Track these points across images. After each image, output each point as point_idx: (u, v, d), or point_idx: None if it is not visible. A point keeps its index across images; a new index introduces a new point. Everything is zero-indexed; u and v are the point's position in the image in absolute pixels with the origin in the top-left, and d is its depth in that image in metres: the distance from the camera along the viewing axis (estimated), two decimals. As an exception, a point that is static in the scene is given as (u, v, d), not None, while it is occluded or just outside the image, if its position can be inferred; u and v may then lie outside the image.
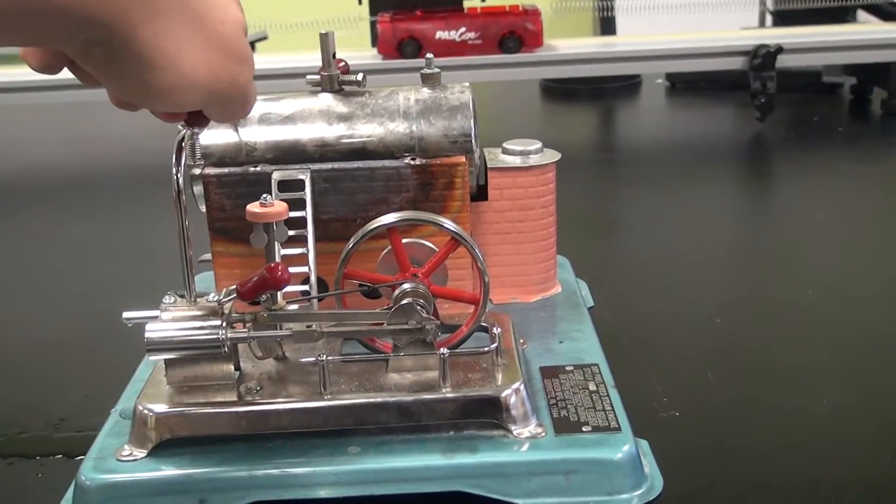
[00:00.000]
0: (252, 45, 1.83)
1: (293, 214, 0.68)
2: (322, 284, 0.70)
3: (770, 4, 1.98)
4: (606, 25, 2.17)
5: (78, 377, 0.76)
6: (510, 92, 1.85)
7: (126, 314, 0.60)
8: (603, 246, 1.06)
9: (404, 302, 0.59)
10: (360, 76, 0.74)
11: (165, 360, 0.59)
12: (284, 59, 1.61)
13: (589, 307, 0.80)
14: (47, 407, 0.70)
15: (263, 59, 1.68)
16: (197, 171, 0.70)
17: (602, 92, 1.86)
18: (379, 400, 0.58)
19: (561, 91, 1.86)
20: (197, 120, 0.50)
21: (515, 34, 1.51)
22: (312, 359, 0.59)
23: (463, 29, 1.51)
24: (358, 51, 1.63)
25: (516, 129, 1.54)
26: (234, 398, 0.59)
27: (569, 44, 1.61)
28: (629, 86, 1.89)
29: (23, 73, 1.63)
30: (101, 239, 1.14)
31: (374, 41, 1.59)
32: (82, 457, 0.59)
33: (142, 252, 1.06)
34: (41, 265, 1.05)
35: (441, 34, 1.51)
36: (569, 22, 2.02)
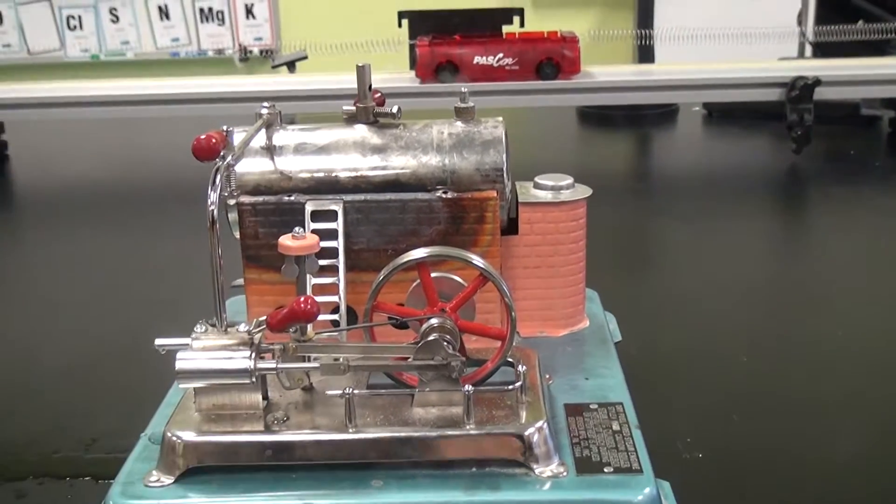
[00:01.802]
0: (292, 64, 1.85)
1: (325, 244, 0.69)
2: (351, 314, 0.71)
3: (810, 36, 1.98)
4: (645, 53, 2.17)
5: (111, 398, 0.77)
6: (547, 117, 1.86)
7: (158, 341, 0.61)
8: (634, 278, 1.07)
9: (431, 338, 0.60)
10: (395, 108, 0.75)
11: (195, 387, 0.60)
12: (324, 79, 1.63)
13: (616, 342, 0.80)
14: (80, 427, 0.72)
15: (304, 80, 1.70)
16: (232, 202, 0.71)
17: (639, 119, 1.86)
18: (403, 435, 0.58)
19: (597, 117, 1.86)
20: None
21: (553, 61, 1.52)
22: (339, 392, 0.59)
23: (501, 54, 1.52)
24: (396, 73, 1.65)
25: (552, 156, 1.55)
26: (261, 428, 0.59)
27: (606, 71, 1.62)
28: (666, 113, 1.89)
29: (62, 88, 1.66)
30: (136, 256, 1.15)
31: (413, 64, 1.60)
32: (111, 480, 0.60)
33: (177, 270, 1.08)
34: (78, 282, 1.07)
35: (479, 59, 1.52)
36: (608, 49, 2.02)
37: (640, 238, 1.23)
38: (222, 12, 3.81)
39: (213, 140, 0.61)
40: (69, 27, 3.80)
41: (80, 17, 3.79)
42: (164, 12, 3.80)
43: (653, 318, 0.93)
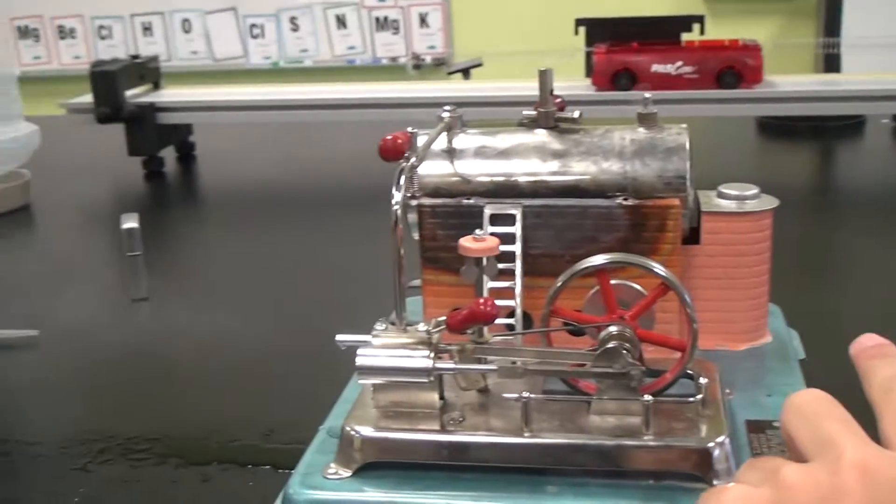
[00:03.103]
0: (467, 71, 1.87)
1: (503, 248, 0.69)
2: (527, 319, 0.71)
3: None
4: (830, 62, 2.09)
5: (290, 390, 0.80)
6: (726, 127, 1.81)
7: (339, 337, 0.62)
8: (819, 295, 1.02)
9: (610, 345, 0.59)
10: (576, 113, 0.74)
11: (373, 383, 0.61)
12: (499, 86, 1.64)
13: (800, 359, 0.77)
14: (260, 417, 0.74)
15: (478, 87, 1.71)
16: (413, 203, 0.72)
17: (822, 130, 1.79)
18: (579, 442, 0.58)
19: (778, 128, 1.80)
20: None
21: (734, 69, 1.48)
22: (515, 395, 0.59)
23: (680, 63, 1.49)
24: (572, 80, 1.64)
25: (731, 166, 1.51)
26: (438, 427, 0.60)
27: (789, 80, 1.56)
28: (852, 125, 1.81)
29: (246, 92, 1.73)
30: (312, 255, 1.18)
31: (589, 72, 1.59)
32: (289, 469, 0.62)
33: (351, 271, 1.10)
34: (257, 278, 1.11)
35: (657, 67, 1.50)
36: (788, 58, 1.95)
37: (825, 253, 1.18)
38: (397, 21, 3.89)
39: (399, 141, 0.62)
40: (252, 35, 3.95)
41: (262, 26, 3.94)
42: (341, 21, 3.90)
43: (840, 337, 0.88)
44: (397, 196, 0.61)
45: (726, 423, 0.59)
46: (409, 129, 0.65)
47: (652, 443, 0.57)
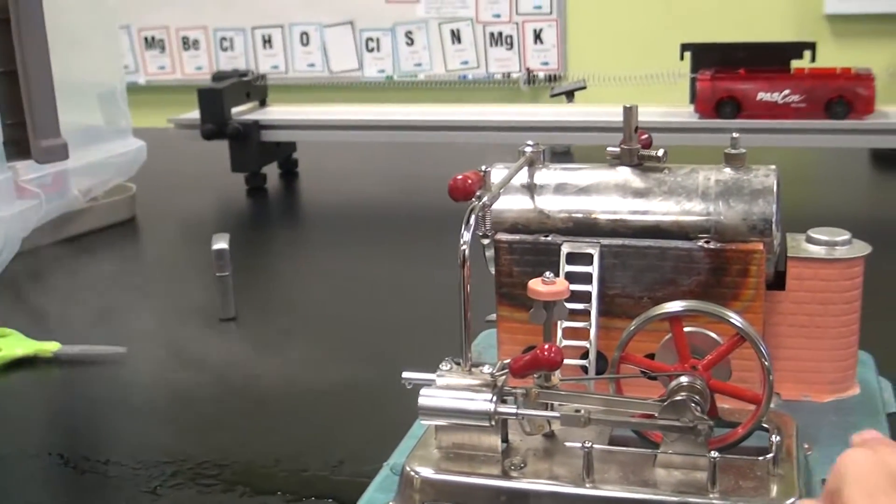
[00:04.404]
0: (571, 93, 1.85)
1: (579, 288, 0.68)
2: (602, 360, 0.70)
3: None
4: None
5: (361, 421, 0.79)
6: (835, 160, 1.75)
7: (405, 374, 0.62)
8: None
9: (678, 397, 0.57)
10: (660, 152, 0.73)
11: (436, 424, 0.61)
12: (601, 111, 1.62)
13: (890, 412, 0.74)
14: (331, 447, 0.74)
15: (585, 111, 1.69)
16: (486, 241, 0.71)
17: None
18: (640, 497, 0.56)
19: (894, 161, 1.73)
20: None
21: (844, 99, 1.42)
22: (578, 444, 0.58)
23: (787, 91, 1.44)
24: (674, 106, 1.61)
25: (837, 203, 1.46)
26: (498, 472, 0.59)
27: (905, 111, 1.50)
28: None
29: (348, 112, 1.74)
30: (400, 280, 1.18)
31: (693, 98, 1.56)
32: (352, 505, 0.62)
33: (436, 299, 1.09)
34: (352, 302, 1.10)
35: (763, 95, 1.45)
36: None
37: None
38: (511, 37, 3.88)
39: (469, 181, 0.61)
40: (367, 49, 3.99)
41: (378, 40, 3.98)
42: (455, 36, 3.91)
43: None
44: (465, 235, 0.60)
45: (798, 484, 0.57)
46: (483, 168, 0.64)
47: (717, 501, 0.55)
